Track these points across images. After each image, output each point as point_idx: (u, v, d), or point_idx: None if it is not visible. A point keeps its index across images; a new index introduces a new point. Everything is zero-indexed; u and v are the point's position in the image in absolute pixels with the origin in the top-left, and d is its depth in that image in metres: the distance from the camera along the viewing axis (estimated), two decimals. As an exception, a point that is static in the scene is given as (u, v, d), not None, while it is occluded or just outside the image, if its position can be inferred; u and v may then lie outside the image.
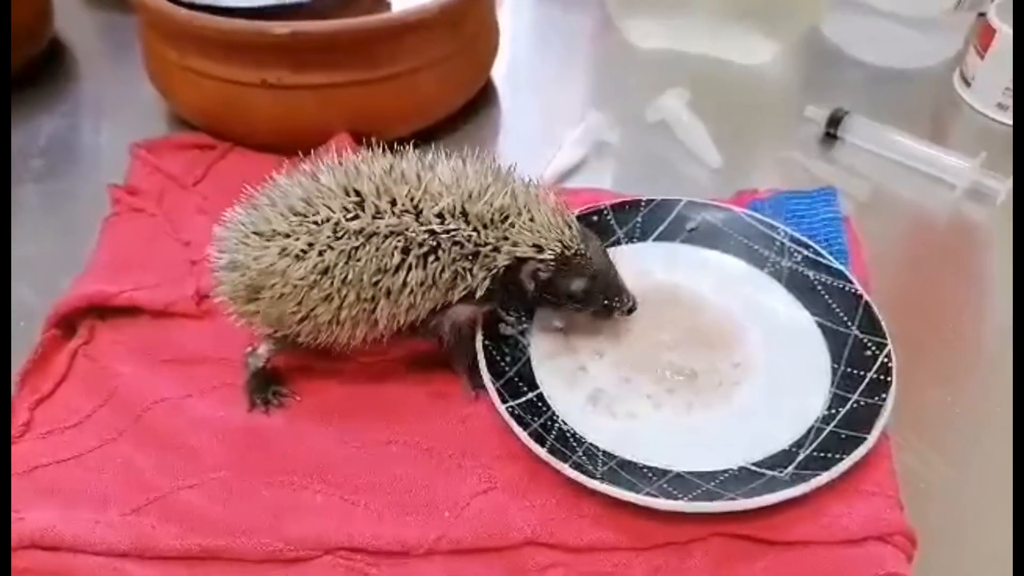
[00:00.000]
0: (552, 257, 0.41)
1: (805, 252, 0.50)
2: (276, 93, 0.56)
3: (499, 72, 0.68)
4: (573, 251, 0.42)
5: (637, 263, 0.50)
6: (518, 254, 0.41)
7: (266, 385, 0.45)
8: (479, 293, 0.41)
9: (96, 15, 0.76)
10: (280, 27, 0.53)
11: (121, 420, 0.43)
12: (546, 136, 0.62)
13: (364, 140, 0.46)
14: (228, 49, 0.55)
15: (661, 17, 0.72)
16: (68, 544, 0.37)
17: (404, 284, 0.40)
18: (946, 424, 0.46)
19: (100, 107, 0.66)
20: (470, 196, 0.40)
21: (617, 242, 0.51)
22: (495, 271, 0.41)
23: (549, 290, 0.42)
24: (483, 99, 0.66)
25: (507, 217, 0.41)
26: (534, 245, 0.41)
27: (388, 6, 0.68)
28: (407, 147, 0.43)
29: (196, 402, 0.44)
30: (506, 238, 0.40)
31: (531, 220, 0.41)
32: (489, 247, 0.40)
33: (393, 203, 0.40)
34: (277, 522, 0.39)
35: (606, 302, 0.44)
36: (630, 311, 0.45)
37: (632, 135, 0.64)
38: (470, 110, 0.65)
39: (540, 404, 0.43)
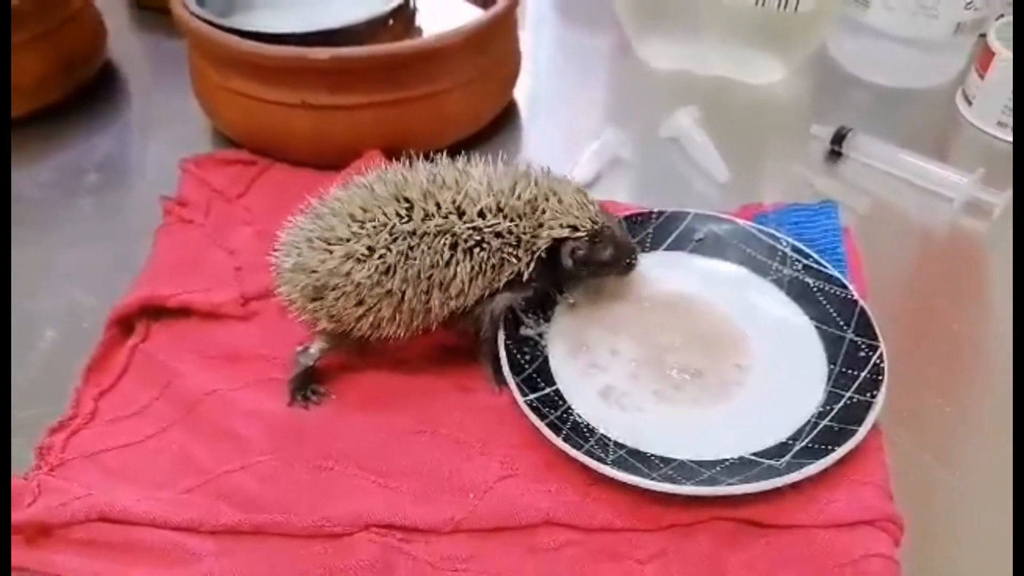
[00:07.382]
0: (585, 234, 0.46)
1: (805, 261, 0.52)
2: (314, 113, 0.59)
3: (521, 92, 0.72)
4: (601, 224, 0.47)
5: (648, 271, 0.52)
6: (556, 235, 0.45)
7: (306, 384, 0.48)
8: (526, 274, 0.45)
9: (145, 40, 0.80)
10: (320, 52, 0.56)
11: (175, 410, 0.46)
12: (564, 151, 0.65)
13: (396, 156, 0.49)
14: (271, 73, 0.58)
15: (675, 40, 0.74)
16: (132, 518, 0.40)
17: (455, 276, 0.44)
18: (939, 425, 0.48)
19: (149, 125, 0.70)
20: (502, 193, 0.45)
21: (630, 251, 0.55)
22: (538, 252, 0.45)
23: (586, 262, 0.47)
24: (506, 117, 0.69)
25: (537, 205, 0.45)
26: (569, 226, 0.46)
27: (419, 31, 0.72)
28: (442, 156, 0.48)
29: (242, 395, 0.47)
30: (540, 224, 0.45)
31: (559, 202, 0.46)
32: (528, 234, 0.45)
33: (439, 206, 0.44)
34: (318, 502, 0.42)
35: (627, 261, 0.49)
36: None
37: (646, 151, 0.67)
38: (494, 127, 0.68)
39: (556, 398, 0.46)
